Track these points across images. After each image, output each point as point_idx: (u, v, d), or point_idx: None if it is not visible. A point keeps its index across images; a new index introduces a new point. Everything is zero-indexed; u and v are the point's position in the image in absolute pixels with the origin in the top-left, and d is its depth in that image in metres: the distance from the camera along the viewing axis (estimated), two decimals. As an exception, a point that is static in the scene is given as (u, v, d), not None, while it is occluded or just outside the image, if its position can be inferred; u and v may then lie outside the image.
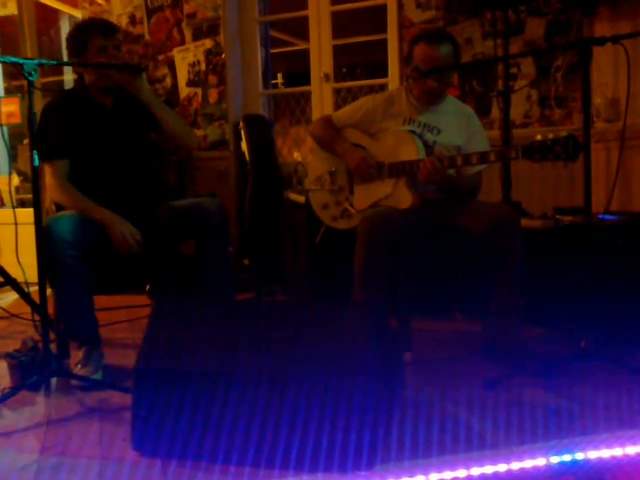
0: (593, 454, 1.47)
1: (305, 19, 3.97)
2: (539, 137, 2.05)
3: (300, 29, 4.87)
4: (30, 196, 2.22)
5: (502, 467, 1.44)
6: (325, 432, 1.48)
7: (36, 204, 2.00)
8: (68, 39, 2.40)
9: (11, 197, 2.28)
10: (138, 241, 2.28)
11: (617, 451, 1.47)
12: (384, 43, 3.71)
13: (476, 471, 1.43)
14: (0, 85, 4.94)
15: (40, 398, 2.10)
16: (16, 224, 2.21)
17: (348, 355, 1.54)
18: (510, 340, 2.24)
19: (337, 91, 4.30)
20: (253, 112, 4.15)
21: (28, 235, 2.11)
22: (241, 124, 3.97)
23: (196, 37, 4.18)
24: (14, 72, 4.66)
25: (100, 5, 4.49)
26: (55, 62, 2.28)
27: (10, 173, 2.33)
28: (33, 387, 2.09)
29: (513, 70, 3.27)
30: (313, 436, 1.48)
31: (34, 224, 2.02)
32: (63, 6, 4.83)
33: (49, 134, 2.26)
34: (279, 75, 6.20)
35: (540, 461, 1.46)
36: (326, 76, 3.93)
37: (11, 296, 3.22)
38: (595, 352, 2.03)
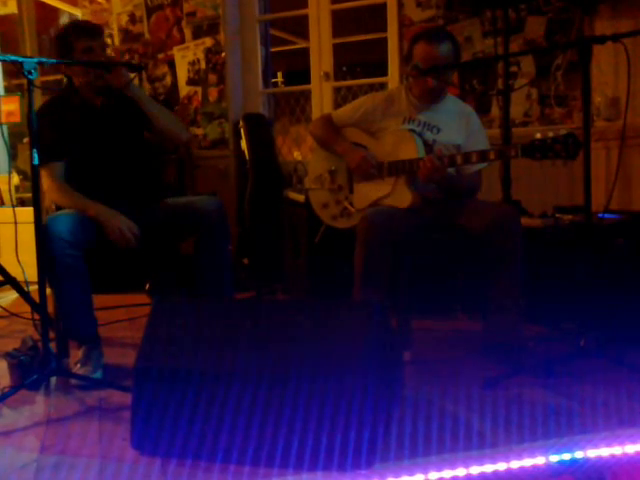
0: (592, 453, 1.46)
1: (305, 18, 3.97)
2: (539, 135, 2.05)
3: (300, 28, 4.87)
4: (30, 195, 2.22)
5: (501, 466, 1.44)
6: (324, 431, 1.48)
7: (36, 203, 2.00)
8: (55, 41, 2.41)
9: (11, 196, 2.28)
10: (135, 235, 2.28)
11: (616, 450, 1.47)
12: (384, 42, 3.71)
13: (475, 470, 1.43)
14: (0, 84, 4.93)
15: (40, 397, 2.10)
16: (16, 223, 2.21)
17: (348, 354, 1.54)
18: (510, 339, 2.24)
19: (337, 90, 4.30)
20: (253, 111, 4.15)
21: (28, 234, 2.11)
22: (241, 123, 3.97)
23: (196, 36, 4.18)
24: (14, 71, 4.65)
25: (100, 4, 4.49)
26: (55, 61, 2.27)
27: (10, 172, 2.32)
28: (33, 386, 2.08)
29: (513, 69, 3.27)
30: (312, 435, 1.48)
31: (34, 223, 2.02)
32: (63, 5, 4.83)
33: (42, 138, 2.26)
34: (279, 74, 6.21)
35: (540, 460, 1.45)
36: (326, 75, 3.92)
37: (11, 295, 3.22)
38: (595, 351, 2.03)
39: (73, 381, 2.16)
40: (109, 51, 4.42)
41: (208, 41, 4.14)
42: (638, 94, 2.80)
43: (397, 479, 1.43)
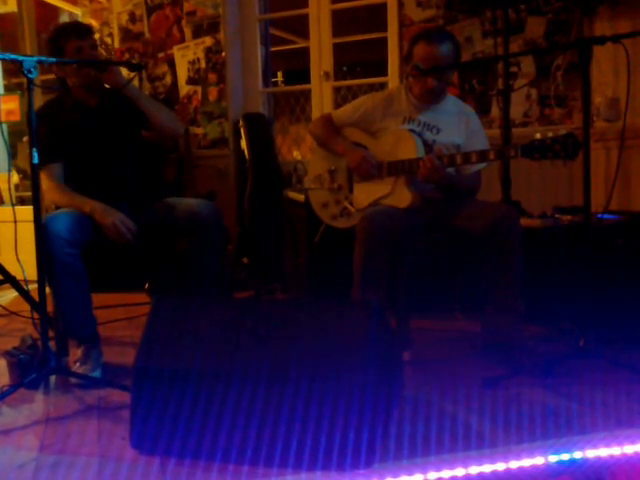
0: (591, 453, 1.47)
1: (305, 17, 3.97)
2: (538, 136, 2.05)
3: (300, 27, 4.87)
4: (29, 194, 2.22)
5: (500, 466, 1.44)
6: (324, 431, 1.48)
7: (35, 202, 2.00)
8: (46, 44, 2.42)
9: (10, 195, 2.28)
10: (131, 230, 2.28)
11: (615, 450, 1.47)
12: (384, 41, 3.70)
13: (474, 470, 1.43)
14: (0, 82, 4.93)
15: (39, 396, 2.10)
16: (15, 222, 2.21)
17: (347, 354, 1.54)
18: (509, 339, 2.24)
19: (337, 89, 4.30)
20: (253, 110, 4.15)
21: (27, 233, 2.11)
22: (241, 122, 3.97)
23: (196, 35, 4.18)
24: (14, 69, 4.67)
25: (100, 3, 4.49)
26: (55, 60, 2.27)
27: (10, 171, 2.32)
28: (32, 385, 2.09)
29: (513, 69, 3.27)
30: (312, 435, 1.48)
31: (33, 222, 2.02)
32: (63, 3, 4.83)
33: (38, 140, 2.27)
34: (279, 73, 6.21)
35: (538, 460, 1.46)
36: (326, 74, 3.92)
37: (10, 294, 3.22)
38: (594, 351, 2.03)
39: (72, 380, 2.16)
40: (103, 51, 4.42)
41: (208, 40, 4.14)
42: (638, 95, 2.80)
43: (396, 479, 1.43)
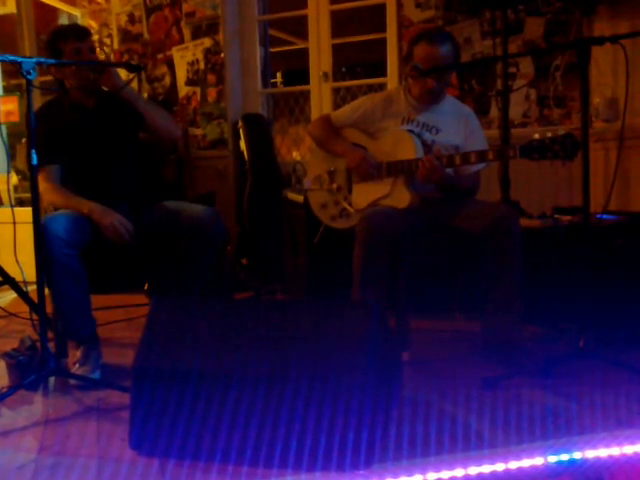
0: (591, 453, 1.47)
1: (304, 18, 3.97)
2: (537, 136, 2.05)
3: (299, 28, 4.87)
4: (28, 195, 2.22)
5: (500, 466, 1.44)
6: (323, 431, 1.48)
7: (34, 203, 2.00)
8: (45, 45, 2.43)
9: (9, 196, 2.28)
10: (129, 230, 2.28)
11: (615, 450, 1.47)
12: (383, 42, 3.71)
13: (474, 470, 1.43)
14: (-1, 84, 4.93)
15: (38, 397, 2.10)
16: (14, 223, 2.21)
17: (346, 354, 1.54)
18: (509, 339, 2.24)
19: (336, 90, 4.30)
20: (252, 111, 4.15)
21: (26, 234, 2.10)
22: (240, 123, 3.97)
23: (195, 36, 4.18)
24: (13, 70, 4.65)
25: (99, 4, 4.49)
26: (54, 61, 2.28)
27: (9, 172, 2.33)
28: (31, 386, 2.08)
29: (512, 69, 3.27)
30: (311, 435, 1.48)
31: (32, 223, 2.02)
32: (62, 5, 4.82)
33: (36, 142, 2.28)
34: (278, 74, 6.21)
35: (538, 460, 1.46)
36: (325, 75, 3.93)
37: (9, 295, 3.22)
38: (593, 351, 2.03)
39: (72, 381, 2.16)
40: (104, 51, 4.42)
41: (207, 41, 4.14)
42: (637, 95, 2.81)
43: (395, 479, 1.43)
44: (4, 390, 2.00)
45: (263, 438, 1.51)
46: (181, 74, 4.24)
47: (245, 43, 4.17)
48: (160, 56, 4.30)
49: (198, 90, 4.21)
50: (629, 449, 1.47)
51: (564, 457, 1.46)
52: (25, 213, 2.14)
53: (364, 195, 2.49)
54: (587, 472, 1.43)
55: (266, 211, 3.78)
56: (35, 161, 1.99)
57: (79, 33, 2.43)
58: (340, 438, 1.47)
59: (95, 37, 4.45)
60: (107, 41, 4.48)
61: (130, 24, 4.38)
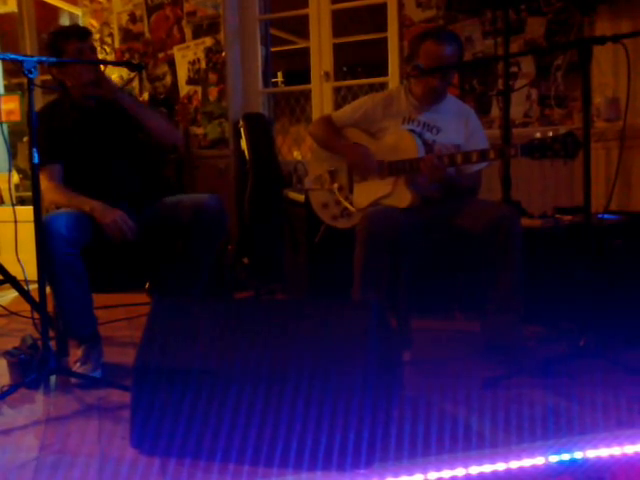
0: (592, 453, 1.46)
1: (305, 17, 3.97)
2: (538, 135, 2.05)
3: (300, 27, 4.87)
4: (30, 194, 2.22)
5: (501, 466, 1.44)
6: (324, 430, 1.48)
7: (36, 202, 2.00)
8: (46, 45, 2.44)
9: (11, 195, 2.28)
10: (131, 227, 2.29)
11: (615, 450, 1.47)
12: (384, 42, 3.70)
13: (475, 470, 1.43)
14: (0, 83, 4.93)
15: (39, 396, 2.10)
16: (16, 222, 2.21)
17: (347, 354, 1.54)
18: (509, 339, 2.24)
19: (337, 90, 4.30)
20: (253, 110, 4.14)
21: (28, 233, 2.11)
22: (241, 122, 3.97)
23: (196, 35, 4.18)
24: (14, 69, 4.67)
25: (100, 3, 4.49)
26: (55, 60, 2.28)
27: (10, 171, 2.32)
28: (32, 385, 2.09)
29: (513, 69, 3.27)
30: (312, 434, 1.48)
31: (34, 222, 2.02)
32: (63, 4, 4.83)
33: (38, 141, 2.28)
34: (279, 73, 6.20)
35: (539, 460, 1.45)
36: (326, 75, 3.92)
37: (11, 294, 3.22)
38: (594, 351, 2.03)
39: (73, 380, 2.16)
40: (106, 49, 4.42)
41: (208, 40, 4.14)
42: (638, 94, 2.80)
43: (396, 479, 1.43)
44: (5, 388, 2.00)
45: (264, 437, 1.51)
46: (182, 73, 4.24)
47: (246, 42, 4.17)
48: (161, 55, 4.30)
49: (199, 89, 4.21)
50: (630, 449, 1.47)
51: (565, 457, 1.46)
52: (26, 212, 2.14)
53: (365, 194, 2.49)
54: (588, 472, 1.43)
55: (267, 210, 3.78)
56: (36, 160, 1.99)
57: (80, 33, 2.45)
58: (341, 437, 1.47)
59: (96, 36, 4.46)
60: (108, 40, 4.48)
61: (131, 23, 4.38)
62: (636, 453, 1.47)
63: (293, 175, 3.94)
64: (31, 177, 2.02)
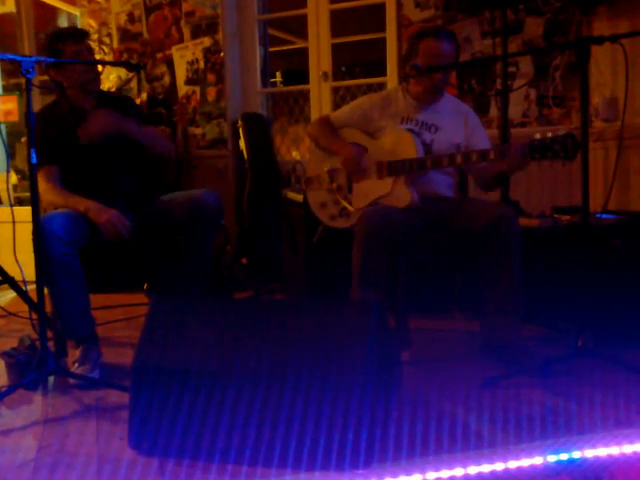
0: (590, 453, 1.47)
1: (304, 17, 3.97)
2: (538, 136, 2.05)
3: (299, 27, 4.87)
4: (28, 194, 2.22)
5: (499, 466, 1.44)
6: (323, 430, 1.48)
7: (34, 202, 2.00)
8: (44, 47, 2.46)
9: (9, 195, 2.28)
10: (126, 227, 2.29)
11: (614, 450, 1.47)
12: (383, 42, 3.70)
13: (473, 470, 1.43)
14: (-2, 83, 4.93)
15: (37, 396, 2.10)
16: (14, 222, 2.20)
17: (346, 354, 1.54)
18: (508, 339, 2.24)
19: (336, 90, 4.30)
20: (251, 110, 4.14)
21: (26, 233, 2.10)
22: (239, 122, 3.97)
23: (195, 35, 4.18)
24: (12, 70, 4.66)
25: (98, 3, 4.48)
26: (54, 60, 2.29)
27: (8, 171, 2.33)
28: (31, 385, 2.08)
29: (512, 69, 3.27)
30: (311, 435, 1.48)
31: (32, 222, 2.02)
32: (61, 4, 4.82)
33: (36, 143, 2.29)
34: (278, 74, 6.20)
35: (537, 460, 1.46)
36: (325, 75, 3.92)
37: (9, 294, 3.22)
38: (592, 351, 2.03)
39: (71, 380, 2.16)
40: (103, 50, 4.42)
41: (207, 41, 4.14)
42: (636, 95, 2.81)
43: (395, 479, 1.43)
44: (3, 389, 2.00)
45: (262, 437, 1.51)
46: (181, 73, 4.24)
47: (245, 42, 4.17)
48: (160, 55, 4.30)
49: (198, 89, 4.21)
50: (628, 448, 1.47)
51: (563, 456, 1.46)
52: (24, 212, 2.14)
53: (364, 194, 2.49)
54: (586, 472, 1.43)
55: (265, 210, 3.78)
56: (34, 160, 1.99)
57: (77, 35, 2.47)
58: (339, 437, 1.47)
59: (94, 36, 4.46)
60: (106, 40, 4.48)
61: (130, 23, 4.38)
62: (634, 453, 1.47)
63: (292, 175, 3.94)
64: (29, 177, 2.01)
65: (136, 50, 4.37)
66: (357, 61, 6.10)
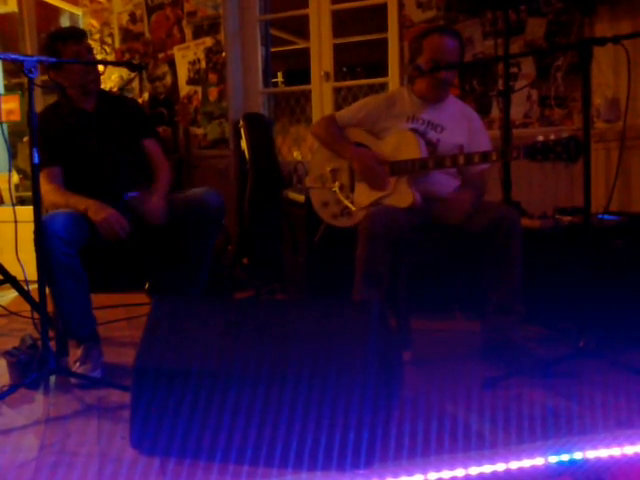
0: (591, 454, 1.47)
1: (305, 18, 3.97)
2: (541, 138, 2.06)
3: (300, 28, 4.87)
4: (29, 194, 2.22)
5: (500, 466, 1.44)
6: (324, 430, 1.48)
7: (36, 202, 2.00)
8: (43, 48, 2.46)
9: (11, 195, 2.28)
10: (123, 226, 2.29)
11: (615, 451, 1.47)
12: (384, 42, 3.70)
13: (474, 470, 1.43)
14: (0, 83, 4.93)
15: (39, 396, 2.10)
16: (16, 222, 2.20)
17: (347, 354, 1.54)
18: (509, 339, 2.24)
19: (337, 90, 4.30)
20: (253, 110, 4.14)
21: (28, 233, 2.11)
22: (241, 122, 3.97)
23: (196, 35, 4.18)
24: (14, 69, 4.67)
25: (100, 3, 4.49)
26: (55, 60, 2.29)
27: (10, 171, 2.32)
28: (32, 385, 2.09)
29: (513, 70, 3.27)
30: (312, 434, 1.48)
31: (34, 222, 2.02)
32: (63, 4, 4.83)
33: (38, 144, 2.29)
34: (279, 74, 6.21)
35: (538, 461, 1.45)
36: (326, 75, 3.92)
37: (11, 294, 3.22)
38: (594, 352, 2.03)
39: (72, 380, 2.16)
40: (106, 49, 4.42)
41: (208, 41, 4.14)
42: (638, 95, 2.80)
43: (396, 479, 1.43)
44: (5, 389, 2.00)
45: (264, 437, 1.51)
46: (182, 73, 4.24)
47: (246, 43, 4.17)
48: (161, 55, 4.30)
49: (199, 89, 4.21)
50: (630, 449, 1.47)
51: (565, 457, 1.46)
52: (26, 212, 2.14)
53: (367, 194, 2.49)
54: (588, 472, 1.43)
55: (267, 211, 3.78)
56: (36, 160, 2.00)
57: (77, 35, 2.48)
58: (341, 437, 1.47)
59: (96, 36, 4.46)
60: (108, 40, 4.48)
61: (131, 23, 4.39)
62: (635, 454, 1.47)
63: (293, 175, 3.93)
64: (31, 177, 2.01)
65: (138, 50, 4.37)
66: (359, 61, 6.11)
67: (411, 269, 2.39)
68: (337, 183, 2.59)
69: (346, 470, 1.46)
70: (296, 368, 1.53)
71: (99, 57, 4.25)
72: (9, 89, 4.92)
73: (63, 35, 2.45)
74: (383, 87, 3.89)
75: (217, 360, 1.60)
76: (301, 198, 3.06)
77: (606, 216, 2.39)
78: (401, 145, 2.43)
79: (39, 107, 2.46)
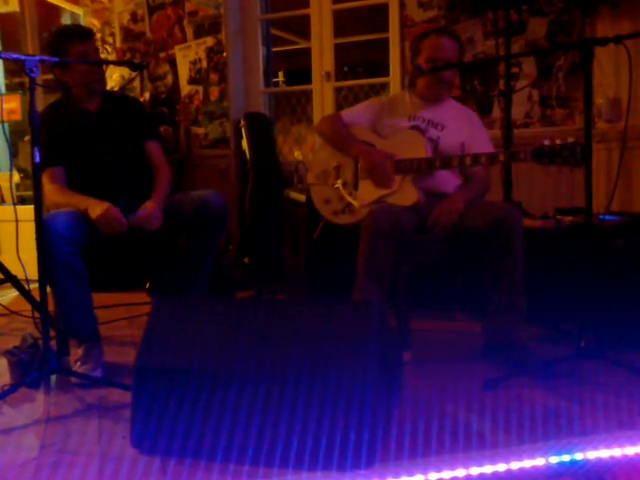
0: (592, 454, 1.46)
1: (307, 17, 3.97)
2: (547, 142, 2.08)
3: (301, 27, 4.87)
4: (31, 193, 2.22)
5: (501, 467, 1.44)
6: (324, 431, 1.48)
7: (37, 201, 2.00)
8: (48, 45, 2.44)
9: (12, 194, 2.28)
10: (121, 222, 2.28)
11: (616, 451, 1.47)
12: (386, 42, 3.71)
13: (475, 471, 1.43)
14: (1, 82, 4.94)
15: (39, 395, 2.10)
16: (17, 221, 2.20)
17: (347, 354, 1.54)
18: (510, 340, 2.24)
19: (338, 90, 4.30)
20: (254, 110, 4.15)
21: (29, 232, 2.11)
22: (242, 122, 3.97)
23: (197, 35, 4.18)
24: (15, 69, 4.67)
25: (102, 2, 4.49)
26: (57, 59, 2.28)
27: (11, 170, 2.32)
28: (33, 384, 2.09)
29: (515, 70, 3.27)
30: (312, 434, 1.48)
31: (35, 221, 2.02)
32: (65, 3, 4.83)
33: (40, 144, 2.29)
34: (280, 73, 6.20)
35: (539, 461, 1.45)
36: (327, 75, 3.92)
37: (11, 293, 3.22)
38: (595, 352, 2.02)
39: (73, 379, 2.16)
40: (107, 49, 4.43)
41: (209, 40, 4.14)
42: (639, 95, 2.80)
43: (396, 479, 1.43)
44: (6, 388, 2.00)
45: (264, 437, 1.51)
46: (183, 73, 4.24)
47: (247, 42, 4.17)
48: (162, 55, 4.31)
49: (200, 89, 4.21)
50: (630, 450, 1.47)
51: (566, 458, 1.46)
52: (27, 211, 2.14)
53: (370, 191, 2.49)
54: (589, 473, 1.42)
55: (268, 210, 3.78)
56: (37, 159, 1.99)
57: (83, 34, 2.45)
58: (341, 438, 1.47)
59: (97, 35, 4.46)
60: (109, 40, 4.48)
61: (132, 23, 4.39)
62: (637, 454, 1.46)
63: (294, 175, 3.93)
64: (32, 176, 2.02)
65: (139, 49, 4.37)
66: (360, 61, 6.10)
67: (412, 268, 2.39)
68: (340, 180, 2.59)
69: (347, 470, 1.46)
70: (297, 368, 1.53)
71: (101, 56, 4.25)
72: (10, 88, 4.92)
73: (69, 34, 2.43)
74: (384, 87, 3.89)
75: (218, 360, 1.60)
76: (302, 198, 3.06)
77: (607, 216, 2.38)
78: (406, 144, 2.44)
79: (40, 106, 2.46)
